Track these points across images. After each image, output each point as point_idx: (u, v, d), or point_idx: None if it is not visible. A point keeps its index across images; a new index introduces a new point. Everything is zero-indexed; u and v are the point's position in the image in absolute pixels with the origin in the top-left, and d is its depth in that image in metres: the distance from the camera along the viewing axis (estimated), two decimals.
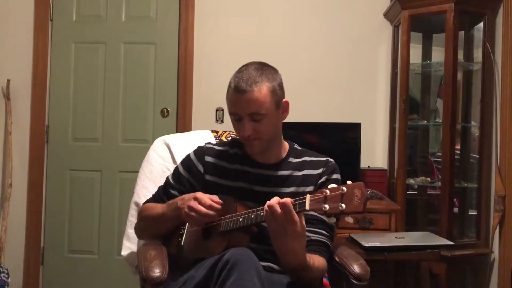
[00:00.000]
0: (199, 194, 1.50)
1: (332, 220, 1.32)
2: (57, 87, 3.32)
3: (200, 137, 2.09)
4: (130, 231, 1.91)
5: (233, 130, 2.07)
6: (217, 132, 2.13)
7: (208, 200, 1.47)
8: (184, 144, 2.01)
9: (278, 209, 1.29)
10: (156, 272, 1.42)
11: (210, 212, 1.46)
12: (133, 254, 1.90)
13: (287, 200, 1.30)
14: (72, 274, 3.26)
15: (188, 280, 1.40)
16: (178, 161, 1.87)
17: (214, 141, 2.03)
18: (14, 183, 3.19)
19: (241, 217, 1.45)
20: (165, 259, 1.49)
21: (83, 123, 3.31)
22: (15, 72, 3.25)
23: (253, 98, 1.48)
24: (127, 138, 3.29)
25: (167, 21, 3.29)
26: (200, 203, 1.47)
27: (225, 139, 2.08)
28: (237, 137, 1.66)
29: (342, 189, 1.23)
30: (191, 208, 1.47)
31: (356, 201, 1.20)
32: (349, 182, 1.26)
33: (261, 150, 1.58)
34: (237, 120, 1.54)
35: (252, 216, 1.42)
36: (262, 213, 1.37)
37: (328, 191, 1.26)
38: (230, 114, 1.55)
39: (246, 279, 1.25)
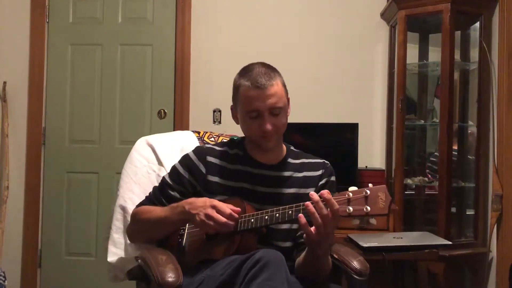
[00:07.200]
0: (216, 202, 1.48)
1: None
2: (53, 89, 3.31)
3: (182, 137, 2.05)
4: (116, 236, 1.85)
5: (223, 132, 2.08)
6: (198, 132, 2.10)
7: (227, 209, 1.45)
8: (168, 144, 1.98)
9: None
10: (172, 277, 1.40)
11: (229, 222, 1.44)
12: (122, 260, 1.82)
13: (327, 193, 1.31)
14: (69, 277, 3.25)
15: (206, 279, 1.39)
16: (164, 161, 1.85)
17: (197, 142, 2.00)
18: (11, 185, 3.18)
19: (253, 218, 1.45)
20: (177, 263, 1.47)
21: (80, 125, 3.30)
22: (11, 74, 3.24)
23: (273, 92, 1.52)
24: (124, 140, 3.27)
25: (164, 22, 3.28)
26: (218, 211, 1.45)
27: (207, 140, 2.05)
28: (235, 138, 1.65)
29: (366, 192, 1.28)
30: (209, 217, 1.44)
31: (381, 203, 1.26)
32: (370, 185, 1.30)
33: (275, 144, 1.61)
34: (254, 117, 1.54)
35: (290, 212, 1.39)
36: (296, 210, 1.36)
37: (350, 194, 1.30)
38: (248, 112, 1.55)
39: (276, 280, 1.25)
